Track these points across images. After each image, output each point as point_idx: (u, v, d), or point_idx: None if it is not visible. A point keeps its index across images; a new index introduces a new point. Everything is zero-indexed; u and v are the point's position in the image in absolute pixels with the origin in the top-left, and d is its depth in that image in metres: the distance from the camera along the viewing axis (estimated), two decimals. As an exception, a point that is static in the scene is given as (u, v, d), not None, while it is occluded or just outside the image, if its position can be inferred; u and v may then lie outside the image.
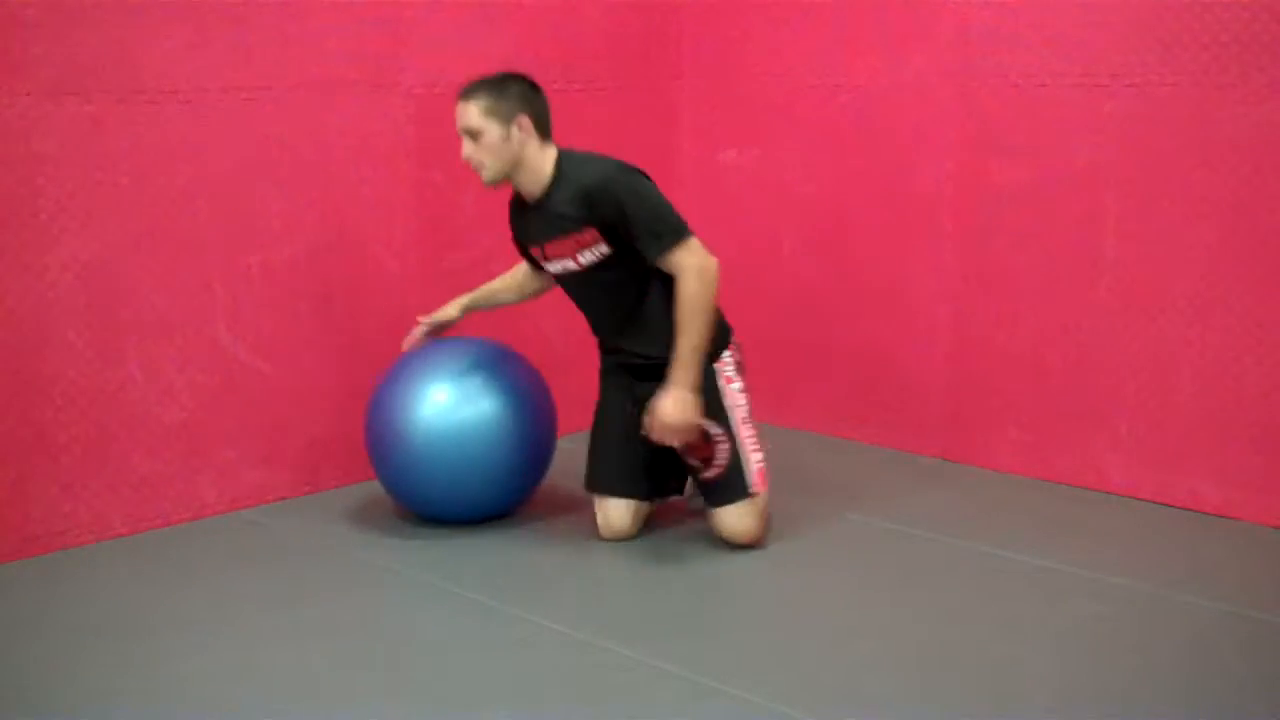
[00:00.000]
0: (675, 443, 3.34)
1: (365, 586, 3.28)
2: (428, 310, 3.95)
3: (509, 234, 3.98)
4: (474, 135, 3.35)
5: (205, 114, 3.62)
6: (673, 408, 3.27)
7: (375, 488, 3.95)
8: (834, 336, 4.48)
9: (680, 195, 4.78)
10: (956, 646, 2.93)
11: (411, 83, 4.01)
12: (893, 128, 4.23)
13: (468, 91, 3.37)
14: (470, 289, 4.19)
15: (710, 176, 4.74)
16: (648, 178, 3.38)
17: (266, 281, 3.79)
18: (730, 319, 4.86)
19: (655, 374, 3.37)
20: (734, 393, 3.46)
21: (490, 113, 3.33)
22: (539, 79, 4.30)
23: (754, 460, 3.44)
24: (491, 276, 4.25)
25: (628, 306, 3.46)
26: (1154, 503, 3.81)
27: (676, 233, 3.30)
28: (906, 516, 3.73)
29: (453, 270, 4.17)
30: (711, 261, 3.33)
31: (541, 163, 3.40)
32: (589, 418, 3.68)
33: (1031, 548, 3.48)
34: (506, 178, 3.42)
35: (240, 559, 3.45)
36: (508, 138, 3.34)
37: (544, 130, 3.42)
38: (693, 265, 3.29)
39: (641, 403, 3.42)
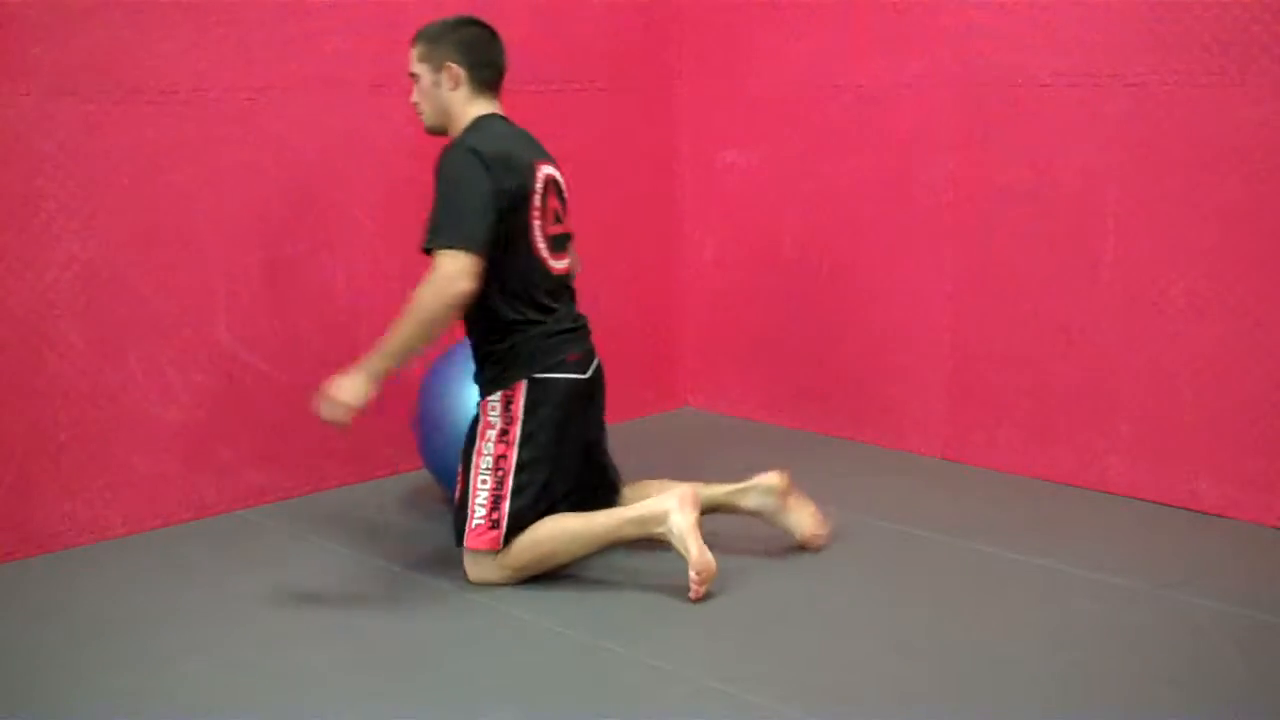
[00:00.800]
0: (336, 420, 3.13)
1: (365, 586, 3.28)
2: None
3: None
4: (414, 79, 3.28)
5: (205, 114, 3.62)
6: (337, 387, 3.12)
7: (375, 488, 3.95)
8: (834, 336, 4.48)
9: (680, 195, 4.79)
10: (956, 646, 2.93)
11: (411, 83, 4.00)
12: (893, 128, 4.23)
13: (415, 36, 3.29)
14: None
15: (710, 176, 4.74)
16: (481, 169, 3.09)
17: (266, 281, 3.79)
18: (730, 318, 4.85)
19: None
20: (487, 438, 3.23)
21: (423, 58, 3.25)
22: (539, 79, 4.31)
23: (475, 515, 3.21)
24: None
25: None
26: (1154, 503, 3.81)
27: (447, 235, 3.08)
28: (907, 516, 3.73)
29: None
30: (457, 286, 3.05)
31: (462, 116, 3.25)
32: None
33: (1031, 547, 3.48)
34: (443, 128, 3.28)
35: (240, 559, 3.45)
36: (437, 84, 3.24)
37: (478, 82, 3.25)
38: (439, 273, 3.06)
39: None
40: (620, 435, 4.53)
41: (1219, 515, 3.69)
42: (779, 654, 2.92)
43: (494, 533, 3.20)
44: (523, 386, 3.21)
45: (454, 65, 3.22)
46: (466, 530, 3.23)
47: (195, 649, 2.94)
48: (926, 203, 4.19)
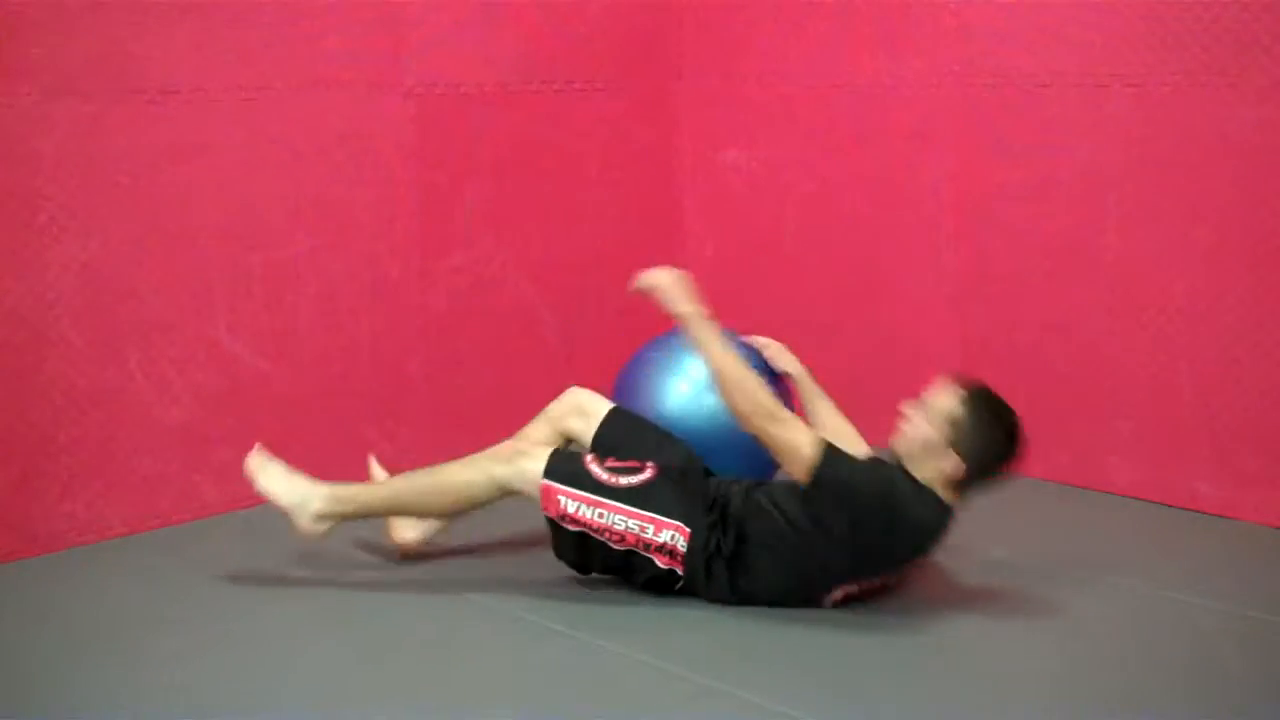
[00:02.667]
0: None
1: (365, 586, 3.28)
2: (431, 303, 3.93)
3: (508, 234, 3.98)
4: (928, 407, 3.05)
5: (205, 114, 3.61)
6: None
7: (375, 488, 3.95)
8: (833, 336, 4.48)
9: (680, 195, 4.79)
10: (955, 646, 2.93)
11: (411, 83, 4.01)
12: (893, 128, 4.23)
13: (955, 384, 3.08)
14: (468, 289, 4.22)
15: (710, 176, 4.74)
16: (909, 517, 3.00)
17: (266, 281, 3.79)
18: (730, 319, 4.88)
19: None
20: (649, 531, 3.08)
21: (942, 419, 3.00)
22: (539, 79, 4.32)
23: (568, 499, 3.08)
24: (490, 276, 4.27)
25: None
26: (1154, 503, 3.81)
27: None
28: (906, 516, 3.72)
29: (453, 270, 4.17)
30: (794, 436, 2.98)
31: (930, 472, 3.01)
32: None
33: (1031, 547, 3.47)
34: (910, 454, 3.04)
35: (240, 558, 3.45)
36: (936, 450, 3.00)
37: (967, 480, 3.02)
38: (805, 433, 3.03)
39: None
40: (620, 435, 4.55)
41: (1219, 515, 3.69)
42: (779, 654, 2.92)
43: (554, 510, 3.07)
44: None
45: (959, 459, 2.97)
46: (571, 478, 3.07)
47: (195, 649, 2.94)
48: (927, 203, 4.19)
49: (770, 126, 4.55)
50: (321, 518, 3.14)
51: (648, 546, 3.07)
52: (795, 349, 4.59)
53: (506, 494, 3.13)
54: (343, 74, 3.87)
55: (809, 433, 3.01)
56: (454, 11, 4.07)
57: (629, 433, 3.33)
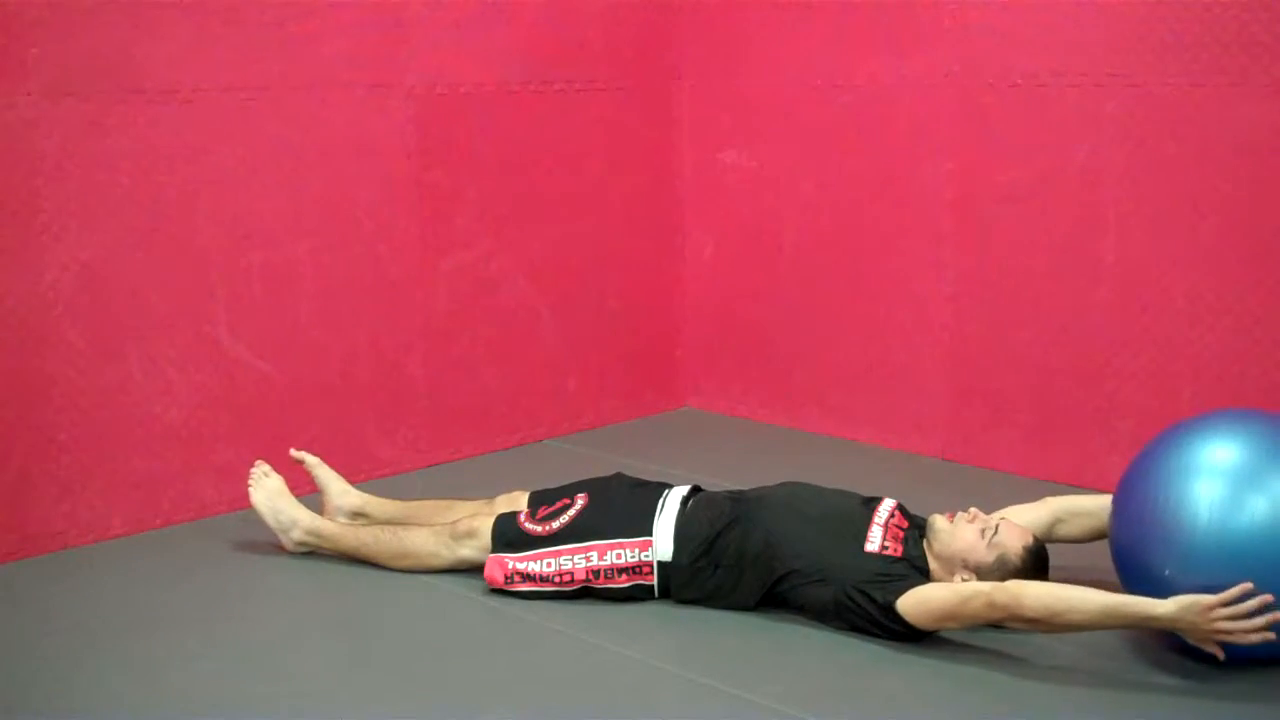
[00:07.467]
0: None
1: (365, 586, 3.28)
2: (431, 303, 3.93)
3: (508, 234, 3.96)
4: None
5: (205, 114, 3.62)
6: None
7: (373, 488, 3.95)
8: (834, 336, 4.48)
9: (680, 195, 4.79)
10: (955, 646, 2.93)
11: (411, 83, 4.01)
12: (892, 128, 4.23)
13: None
14: (468, 289, 4.22)
15: (710, 176, 4.74)
16: None
17: (266, 281, 3.79)
18: (729, 319, 4.88)
19: None
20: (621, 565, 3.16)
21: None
22: (539, 79, 4.32)
23: (516, 563, 3.20)
24: (490, 276, 4.27)
25: None
26: (1154, 503, 3.80)
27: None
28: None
29: (453, 270, 4.17)
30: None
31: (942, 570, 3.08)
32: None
33: (1031, 548, 3.47)
34: (948, 553, 3.05)
35: (240, 559, 3.45)
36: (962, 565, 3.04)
37: None
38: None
39: None
40: (620, 435, 4.55)
41: (1219, 515, 3.69)
42: (779, 654, 2.92)
43: (499, 576, 3.18)
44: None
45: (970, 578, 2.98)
46: (507, 552, 3.20)
47: (195, 649, 2.94)
48: (926, 203, 4.19)
49: (770, 126, 4.55)
50: (300, 545, 3.44)
51: (598, 574, 3.15)
52: (795, 348, 4.61)
53: (463, 565, 3.30)
54: (343, 74, 3.87)
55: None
56: (454, 11, 4.07)
57: (561, 485, 3.42)
